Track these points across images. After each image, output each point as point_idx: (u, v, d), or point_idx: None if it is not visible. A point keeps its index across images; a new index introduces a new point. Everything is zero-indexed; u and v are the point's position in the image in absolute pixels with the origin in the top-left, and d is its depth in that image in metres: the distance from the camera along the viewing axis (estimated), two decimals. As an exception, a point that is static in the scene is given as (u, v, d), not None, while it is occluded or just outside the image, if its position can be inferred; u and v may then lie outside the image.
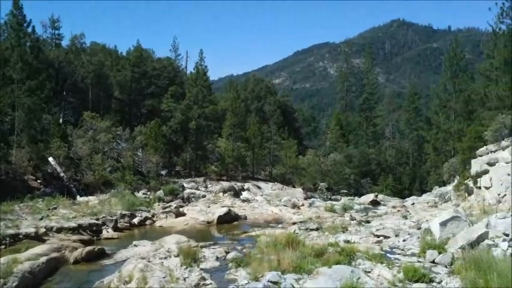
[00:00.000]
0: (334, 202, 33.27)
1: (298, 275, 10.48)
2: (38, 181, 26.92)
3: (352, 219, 23.42)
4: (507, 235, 12.38)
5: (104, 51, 55.38)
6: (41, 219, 18.57)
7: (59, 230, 17.04)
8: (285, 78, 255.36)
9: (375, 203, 35.26)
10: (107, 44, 58.88)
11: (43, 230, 16.43)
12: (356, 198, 39.09)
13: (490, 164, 22.31)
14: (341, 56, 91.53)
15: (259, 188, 39.76)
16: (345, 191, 45.30)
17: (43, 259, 12.84)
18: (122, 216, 21.82)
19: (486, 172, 22.68)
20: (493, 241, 12.13)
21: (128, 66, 51.18)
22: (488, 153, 23.59)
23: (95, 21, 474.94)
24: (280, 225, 22.11)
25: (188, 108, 43.06)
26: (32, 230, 16.17)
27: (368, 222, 22.68)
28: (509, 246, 11.46)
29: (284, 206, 29.46)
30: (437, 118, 49.05)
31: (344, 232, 18.45)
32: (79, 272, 13.23)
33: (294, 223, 22.28)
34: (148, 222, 22.83)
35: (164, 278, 11.00)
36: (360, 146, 59.56)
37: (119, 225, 20.79)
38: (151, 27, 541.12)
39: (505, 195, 19.27)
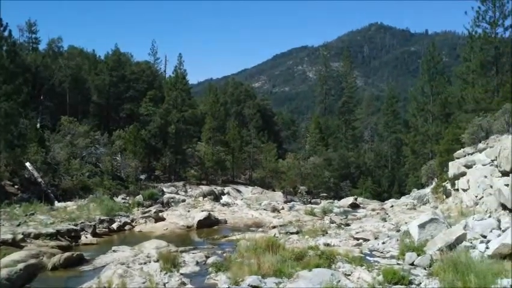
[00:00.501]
0: (314, 205, 33.41)
1: (279, 278, 10.50)
2: (15, 187, 26.59)
3: (332, 222, 23.54)
4: (485, 237, 12.53)
5: (81, 55, 54.80)
6: (18, 225, 18.32)
7: (37, 236, 16.84)
8: (265, 82, 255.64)
9: (354, 206, 35.44)
10: (85, 47, 58.29)
11: (21, 236, 16.23)
12: (336, 201, 39.23)
13: (467, 167, 22.55)
14: (320, 59, 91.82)
15: (239, 191, 39.73)
16: (325, 194, 45.47)
17: (21, 265, 12.64)
18: (101, 221, 21.63)
19: (463, 174, 22.92)
20: (471, 243, 12.27)
21: (106, 70, 50.83)
22: (465, 156, 23.84)
23: (72, 25, 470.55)
24: (260, 229, 22.11)
25: (167, 112, 42.89)
26: (9, 236, 15.96)
27: (348, 225, 22.82)
28: (486, 247, 11.60)
29: (264, 209, 29.46)
30: (415, 121, 49.49)
31: (323, 235, 18.51)
32: (57, 278, 13.07)
33: (274, 227, 22.31)
34: (127, 227, 22.68)
35: (143, 283, 10.93)
36: (340, 149, 59.79)
37: (98, 230, 20.60)
38: (129, 31, 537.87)
39: (482, 197, 19.49)
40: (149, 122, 43.49)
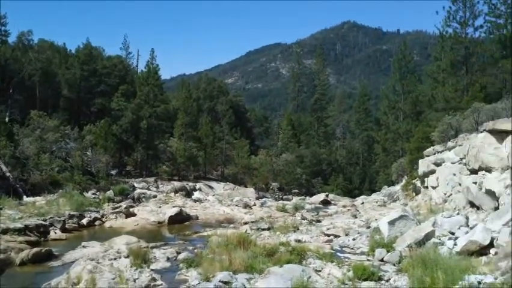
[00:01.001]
0: (285, 202, 33.51)
1: (250, 274, 10.49)
2: (-17, 181, 26.11)
3: (303, 218, 23.63)
4: (453, 234, 12.72)
5: (52, 48, 54.02)
6: (-15, 220, 18.00)
7: (5, 231, 16.52)
8: (238, 78, 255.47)
9: (326, 203, 35.64)
10: (56, 41, 57.41)
11: (-13, 231, 15.94)
12: (307, 197, 39.46)
13: (437, 164, 22.85)
14: (293, 56, 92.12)
15: (211, 187, 39.66)
16: (297, 190, 45.69)
17: (-13, 261, 12.47)
18: (71, 216, 21.35)
19: (433, 172, 23.22)
20: (439, 239, 12.44)
21: (78, 64, 50.24)
22: (435, 154, 24.14)
23: (43, 18, 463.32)
24: (231, 225, 22.08)
25: (139, 107, 42.57)
26: (-25, 231, 15.67)
27: (319, 221, 22.91)
28: (454, 244, 11.77)
29: (236, 205, 29.46)
30: (386, 119, 50.05)
31: (295, 231, 18.57)
32: (25, 274, 12.91)
33: (245, 223, 22.29)
34: (97, 222, 22.43)
35: (113, 279, 10.82)
36: (312, 146, 60.09)
37: (67, 226, 20.34)
38: (101, 24, 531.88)
39: (451, 194, 19.77)
40: (120, 117, 43.11)
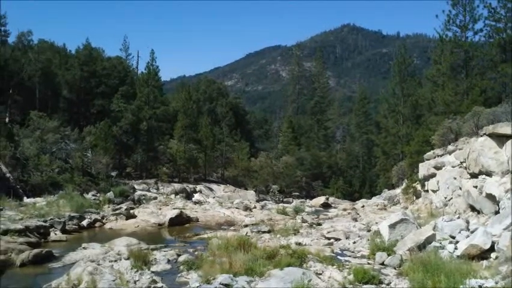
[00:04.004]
0: (286, 204, 33.52)
1: (250, 277, 10.52)
2: (-18, 182, 26.08)
3: (303, 221, 23.62)
4: (453, 237, 12.73)
5: (52, 49, 53.92)
6: (-15, 221, 17.99)
7: (5, 232, 16.50)
8: (237, 80, 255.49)
9: (326, 206, 35.64)
10: (56, 42, 57.31)
11: (-13, 232, 15.93)
12: (308, 200, 39.45)
13: (437, 168, 22.87)
14: (293, 59, 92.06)
15: (211, 190, 39.65)
16: (297, 193, 45.68)
17: (-12, 262, 12.48)
18: (71, 218, 21.37)
19: (433, 176, 23.25)
20: (440, 243, 12.46)
21: (77, 65, 50.09)
22: (435, 157, 24.16)
23: (43, 18, 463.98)
24: (232, 228, 22.10)
25: (139, 108, 42.56)
26: (-24, 232, 15.67)
27: (319, 224, 22.93)
28: (455, 248, 11.78)
29: (236, 208, 29.44)
30: (386, 122, 49.98)
31: (295, 234, 18.60)
32: (25, 275, 12.92)
33: (246, 225, 22.28)
34: (97, 224, 22.46)
35: (114, 281, 10.84)
36: (312, 149, 60.00)
37: (67, 227, 20.37)
38: (101, 25, 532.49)
39: (451, 198, 19.79)
40: (120, 119, 43.03)
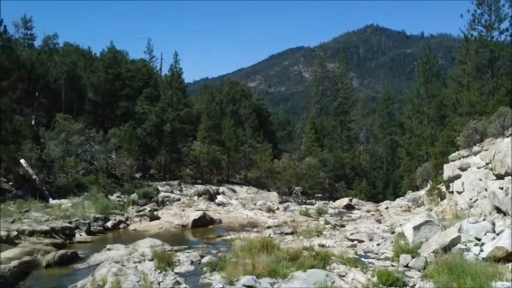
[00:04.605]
0: (309, 206, 33.42)
1: (273, 279, 10.50)
2: (10, 183, 26.44)
3: (326, 223, 23.53)
4: (479, 239, 12.57)
5: (77, 52, 54.65)
6: (12, 222, 18.23)
7: (31, 234, 16.76)
8: (260, 82, 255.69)
9: (349, 207, 35.50)
10: (81, 44, 58.10)
11: (15, 233, 16.15)
12: (331, 202, 39.33)
13: (462, 169, 22.60)
14: (316, 60, 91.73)
15: (234, 191, 39.70)
16: (320, 195, 45.56)
17: (15, 263, 12.63)
18: (96, 219, 21.58)
19: (458, 177, 22.97)
20: (465, 245, 12.31)
21: (102, 68, 50.64)
22: (460, 158, 23.89)
23: (68, 21, 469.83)
24: (255, 229, 22.10)
25: (162, 110, 42.83)
26: (3, 233, 15.87)
27: (343, 226, 22.83)
28: (480, 250, 11.64)
29: (259, 209, 29.46)
30: (410, 123, 49.50)
31: (318, 236, 18.53)
32: (51, 276, 13.04)
33: (269, 227, 22.28)
34: (121, 225, 22.63)
35: (138, 282, 10.92)
36: (335, 150, 59.78)
37: (92, 228, 20.55)
38: (125, 28, 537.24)
39: (477, 199, 19.54)
40: (144, 120, 43.34)
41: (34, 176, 27.25)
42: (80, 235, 19.29)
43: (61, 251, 14.61)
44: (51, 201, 25.12)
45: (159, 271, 11.91)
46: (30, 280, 12.49)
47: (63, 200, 25.46)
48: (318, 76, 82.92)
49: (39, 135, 32.05)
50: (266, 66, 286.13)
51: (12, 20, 51.71)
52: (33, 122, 37.70)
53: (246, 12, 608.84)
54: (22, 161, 27.61)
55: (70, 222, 19.83)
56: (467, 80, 35.20)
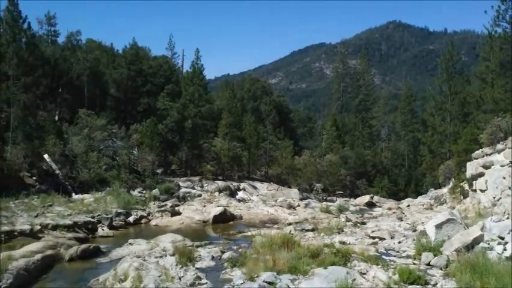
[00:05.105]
0: (329, 203, 33.33)
1: (294, 275, 10.50)
2: (33, 178, 26.84)
3: (347, 220, 23.44)
4: (502, 238, 12.42)
5: (100, 48, 55.17)
6: (36, 216, 18.52)
7: (55, 228, 17.00)
8: (281, 78, 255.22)
9: (370, 205, 35.30)
10: (103, 41, 58.53)
11: (38, 227, 16.41)
12: (352, 199, 39.13)
13: (486, 167, 22.32)
14: (337, 56, 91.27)
15: (255, 188, 39.72)
16: (341, 192, 45.35)
17: (38, 256, 12.81)
18: (118, 214, 21.81)
19: (481, 175, 22.70)
20: (488, 244, 12.17)
21: (124, 64, 51.03)
22: (483, 156, 23.59)
23: (91, 18, 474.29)
24: (275, 226, 22.11)
25: (184, 107, 42.99)
26: (27, 227, 16.15)
27: (364, 223, 22.72)
28: (504, 249, 11.50)
29: (280, 206, 29.44)
30: (433, 120, 49.00)
31: (339, 233, 18.48)
32: (73, 270, 13.22)
33: (289, 224, 22.26)
34: (143, 220, 22.84)
35: (159, 276, 10.99)
36: (356, 147, 59.46)
37: (114, 223, 20.78)
38: (147, 25, 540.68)
39: (500, 198, 19.30)
40: (166, 117, 43.54)
41: (57, 171, 27.60)
42: (103, 229, 19.52)
43: (84, 245, 14.80)
44: (74, 196, 25.44)
45: (180, 266, 11.99)
46: (53, 274, 12.66)
47: (85, 195, 25.77)
48: (340, 73, 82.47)
49: (62, 131, 32.46)
50: (287, 62, 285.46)
51: (36, 16, 52.19)
52: (56, 118, 38.17)
53: (267, 9, 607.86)
54: (46, 156, 27.99)
55: (93, 217, 20.11)
56: (491, 77, 34.74)
